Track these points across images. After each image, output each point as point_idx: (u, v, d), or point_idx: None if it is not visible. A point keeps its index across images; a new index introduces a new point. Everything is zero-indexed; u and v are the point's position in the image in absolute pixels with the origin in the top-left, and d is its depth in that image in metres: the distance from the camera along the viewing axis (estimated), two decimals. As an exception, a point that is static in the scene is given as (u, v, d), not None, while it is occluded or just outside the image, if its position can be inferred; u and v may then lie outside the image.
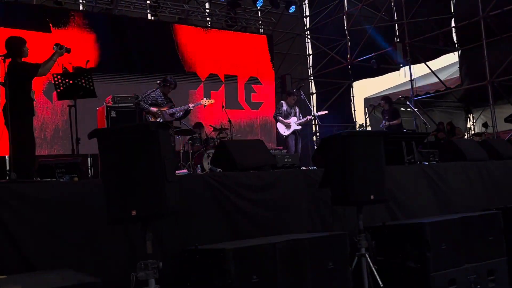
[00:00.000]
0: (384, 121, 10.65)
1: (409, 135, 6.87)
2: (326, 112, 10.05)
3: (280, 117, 9.47)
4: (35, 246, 3.33)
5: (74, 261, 3.37)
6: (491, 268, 4.54)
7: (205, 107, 8.47)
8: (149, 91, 7.70)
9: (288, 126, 9.39)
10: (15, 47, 5.51)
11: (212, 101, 8.44)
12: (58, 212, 3.50)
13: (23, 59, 5.60)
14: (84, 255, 3.46)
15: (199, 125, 10.60)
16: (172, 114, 7.72)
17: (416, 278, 4.22)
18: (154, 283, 3.14)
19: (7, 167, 8.87)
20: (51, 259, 3.34)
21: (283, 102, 9.79)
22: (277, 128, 9.73)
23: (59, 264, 3.28)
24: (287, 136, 9.41)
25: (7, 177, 5.12)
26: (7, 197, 3.35)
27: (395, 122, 10.42)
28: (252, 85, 13.37)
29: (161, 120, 7.51)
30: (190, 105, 7.95)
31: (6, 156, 9.05)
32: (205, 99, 8.40)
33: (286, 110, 9.52)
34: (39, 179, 4.37)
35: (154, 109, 7.55)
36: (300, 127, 9.47)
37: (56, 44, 5.71)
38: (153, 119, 7.51)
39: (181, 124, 9.29)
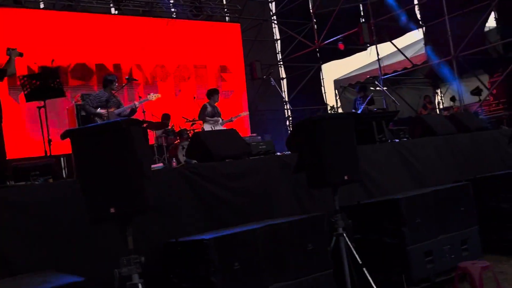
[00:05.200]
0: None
1: (379, 114, 7.00)
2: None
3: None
4: (16, 251, 3.33)
5: (56, 262, 3.37)
6: (464, 237, 4.69)
7: (154, 100, 8.20)
8: (94, 94, 7.53)
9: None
10: None
11: (159, 95, 8.19)
12: (36, 214, 3.49)
13: None
14: (65, 255, 3.46)
15: (166, 116, 10.55)
16: (119, 114, 7.43)
17: (394, 253, 4.34)
18: (138, 278, 3.17)
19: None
20: (34, 262, 3.34)
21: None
22: None
23: (41, 266, 3.28)
24: None
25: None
26: (-17, 204, 3.32)
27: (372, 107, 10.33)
28: (222, 74, 13.36)
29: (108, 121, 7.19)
30: (136, 102, 7.75)
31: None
32: (152, 94, 8.10)
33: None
34: (13, 183, 4.33)
35: (102, 110, 7.24)
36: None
37: (8, 49, 5.49)
38: (100, 121, 7.18)
39: (153, 117, 9.24)
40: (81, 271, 3.14)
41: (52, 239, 3.47)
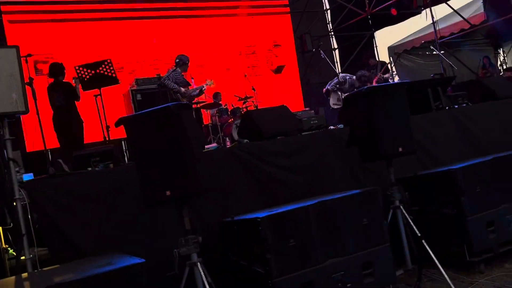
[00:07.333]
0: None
1: (433, 80, 6.73)
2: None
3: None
4: (83, 235, 3.53)
5: (119, 244, 3.54)
6: (529, 205, 4.50)
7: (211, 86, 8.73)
8: (171, 70, 7.77)
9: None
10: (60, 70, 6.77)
11: (213, 83, 8.68)
12: (99, 200, 3.67)
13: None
14: (128, 238, 3.63)
15: (216, 95, 10.66)
16: (191, 93, 8.01)
17: (454, 224, 4.25)
18: (197, 257, 3.29)
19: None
20: (99, 245, 3.53)
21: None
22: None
23: (106, 248, 3.46)
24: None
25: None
26: (49, 192, 3.54)
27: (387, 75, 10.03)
28: (273, 49, 13.28)
29: (185, 101, 7.66)
30: (204, 84, 8.30)
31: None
32: (208, 80, 8.58)
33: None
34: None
35: (183, 89, 7.75)
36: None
37: (74, 78, 6.65)
38: (183, 100, 7.69)
39: (206, 98, 9.37)
40: (143, 252, 3.28)
41: (115, 223, 3.65)
